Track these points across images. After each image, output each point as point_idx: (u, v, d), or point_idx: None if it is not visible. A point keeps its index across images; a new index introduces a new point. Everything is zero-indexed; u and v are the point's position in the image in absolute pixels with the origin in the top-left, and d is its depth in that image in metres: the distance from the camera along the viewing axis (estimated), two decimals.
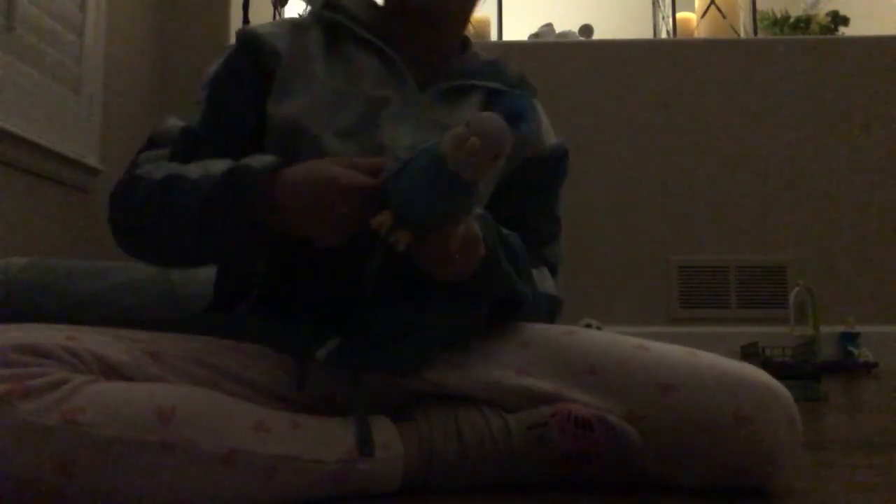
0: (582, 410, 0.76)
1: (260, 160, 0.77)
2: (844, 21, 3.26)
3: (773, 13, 3.32)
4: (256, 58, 0.91)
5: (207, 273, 1.43)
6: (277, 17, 2.58)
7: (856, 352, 2.71)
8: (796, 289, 2.56)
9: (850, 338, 2.76)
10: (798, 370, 1.86)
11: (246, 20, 2.56)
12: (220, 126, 0.89)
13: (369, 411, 0.77)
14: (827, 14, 3.27)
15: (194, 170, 0.80)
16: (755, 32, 3.37)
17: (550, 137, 1.02)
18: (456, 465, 0.75)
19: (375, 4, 1.00)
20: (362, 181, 0.72)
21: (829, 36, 3.22)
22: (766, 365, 1.97)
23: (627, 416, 0.76)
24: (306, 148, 0.85)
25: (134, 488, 0.63)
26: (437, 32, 0.97)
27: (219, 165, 0.79)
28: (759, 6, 3.40)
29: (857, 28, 3.27)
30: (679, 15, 3.43)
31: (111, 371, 0.69)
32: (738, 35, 3.27)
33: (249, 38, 0.93)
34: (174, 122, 0.90)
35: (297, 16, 1.04)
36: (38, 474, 0.61)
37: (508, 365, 0.82)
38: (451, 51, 1.00)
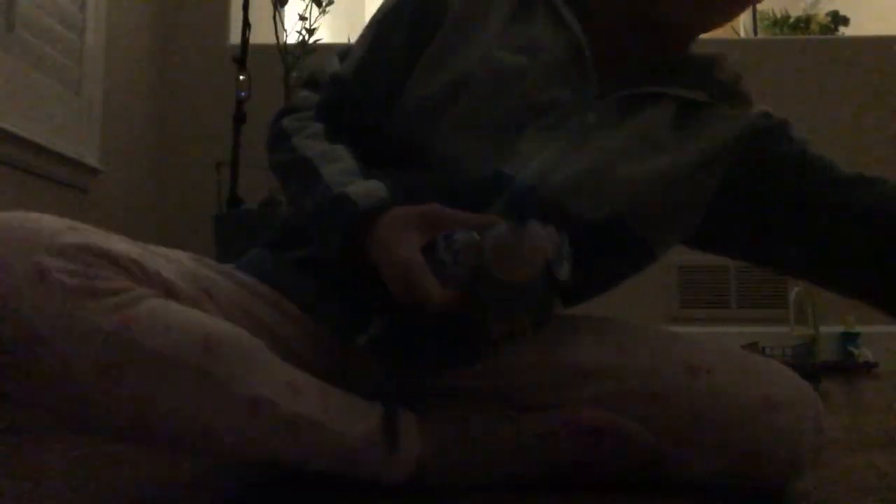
0: (593, 418, 0.75)
1: (366, 194, 0.72)
2: (844, 21, 3.26)
3: (773, 13, 3.32)
4: (423, 11, 0.82)
5: None
6: (278, 18, 2.57)
7: (856, 352, 2.71)
8: (796, 289, 2.55)
9: (850, 338, 2.76)
10: (798, 370, 1.85)
11: (246, 20, 2.55)
12: (371, 78, 0.82)
13: (399, 402, 0.76)
14: (827, 14, 3.27)
15: (321, 165, 0.76)
16: (755, 32, 3.37)
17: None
18: (462, 464, 0.75)
19: None
20: (432, 292, 0.65)
21: (829, 36, 3.22)
22: None
23: (650, 397, 0.76)
24: (425, 146, 0.79)
25: (166, 408, 0.64)
26: (663, 39, 0.83)
27: (334, 174, 0.75)
28: (759, 6, 3.40)
29: (857, 28, 3.27)
30: None
31: (171, 295, 0.69)
32: (738, 35, 3.27)
33: None
34: (330, 64, 0.86)
35: None
36: (85, 369, 0.61)
37: (543, 341, 0.78)
38: (669, 48, 0.85)
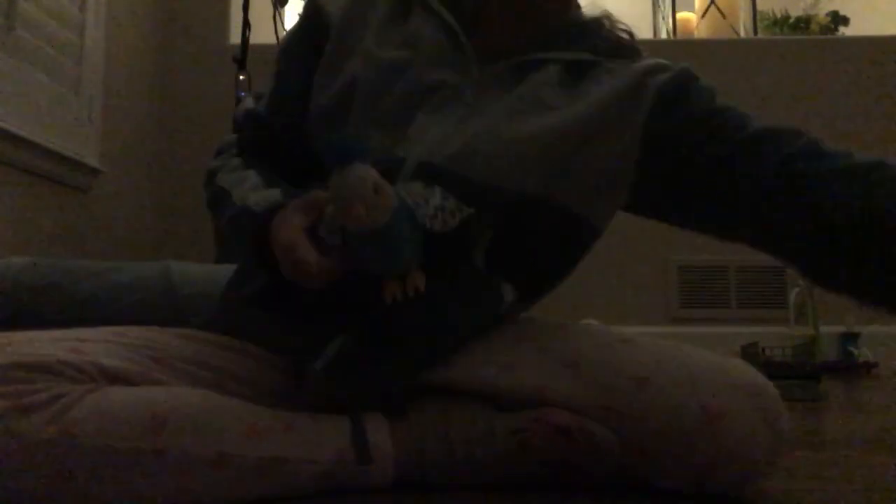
0: (563, 418, 0.75)
1: (263, 200, 0.78)
2: (844, 21, 3.26)
3: (773, 13, 3.32)
4: (310, 31, 0.90)
5: (207, 273, 1.43)
6: (278, 18, 2.57)
7: (856, 352, 2.71)
8: (796, 289, 2.55)
9: (850, 338, 2.76)
10: (798, 370, 1.86)
11: (246, 20, 2.55)
12: (281, 106, 0.91)
13: (365, 413, 0.77)
14: (827, 14, 3.27)
15: (233, 189, 0.84)
16: (755, 32, 3.36)
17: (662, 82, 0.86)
18: (443, 465, 0.76)
19: None
20: (311, 262, 0.68)
21: (829, 36, 3.22)
22: (767, 365, 1.97)
23: (608, 415, 0.75)
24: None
25: (128, 491, 0.65)
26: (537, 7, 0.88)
27: (240, 193, 0.82)
28: (759, 6, 3.40)
29: (857, 28, 3.27)
30: (679, 15, 3.43)
31: (115, 378, 0.71)
32: (738, 35, 3.27)
33: (308, 6, 0.92)
34: (248, 102, 0.94)
35: None
36: (35, 482, 0.63)
37: (496, 362, 0.80)
38: (545, 18, 0.89)
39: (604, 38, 0.88)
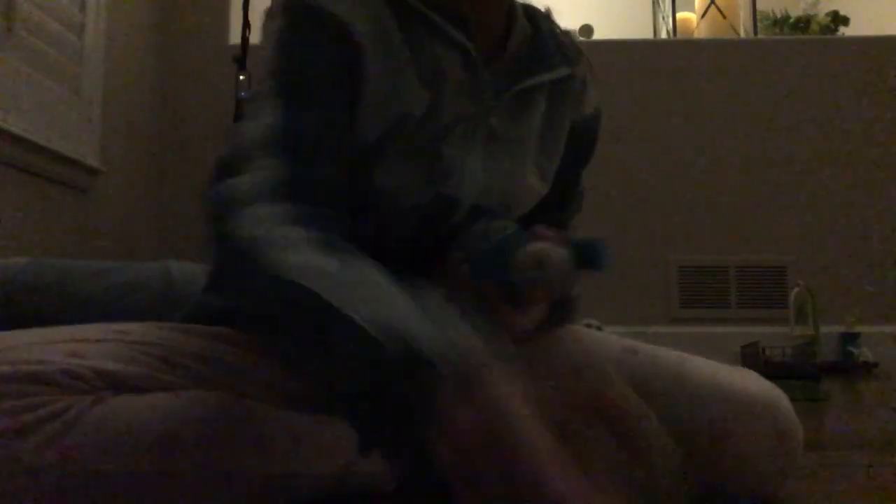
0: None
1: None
2: (844, 21, 3.26)
3: (773, 13, 3.32)
4: (339, 53, 0.74)
5: (207, 273, 1.42)
6: None
7: (856, 352, 2.71)
8: (796, 289, 2.55)
9: (850, 338, 2.76)
10: (798, 370, 1.86)
11: (246, 20, 2.55)
12: (330, 148, 0.72)
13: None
14: (827, 14, 3.27)
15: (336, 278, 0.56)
16: (755, 32, 3.37)
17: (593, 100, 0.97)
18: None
19: None
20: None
21: (829, 36, 3.22)
22: (767, 365, 1.97)
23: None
24: (360, 173, 0.76)
25: None
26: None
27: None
28: (759, 6, 3.40)
29: (857, 28, 3.28)
30: (679, 15, 3.43)
31: (119, 385, 0.67)
32: (738, 35, 3.27)
33: (330, 24, 0.74)
34: (248, 129, 0.75)
35: None
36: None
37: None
38: (500, 18, 0.85)
39: (567, 45, 0.92)
